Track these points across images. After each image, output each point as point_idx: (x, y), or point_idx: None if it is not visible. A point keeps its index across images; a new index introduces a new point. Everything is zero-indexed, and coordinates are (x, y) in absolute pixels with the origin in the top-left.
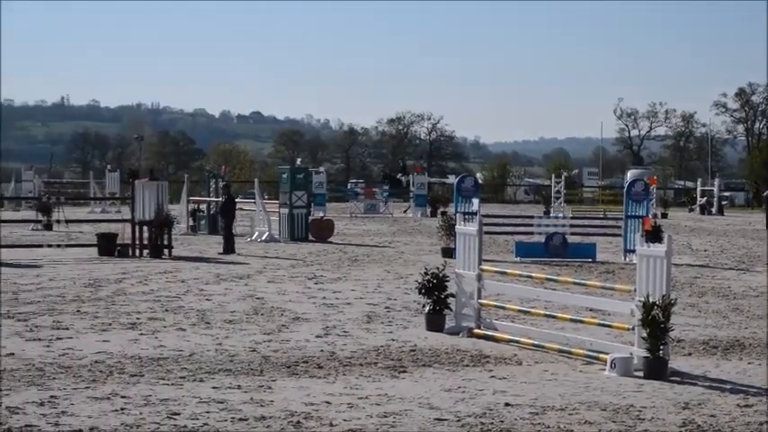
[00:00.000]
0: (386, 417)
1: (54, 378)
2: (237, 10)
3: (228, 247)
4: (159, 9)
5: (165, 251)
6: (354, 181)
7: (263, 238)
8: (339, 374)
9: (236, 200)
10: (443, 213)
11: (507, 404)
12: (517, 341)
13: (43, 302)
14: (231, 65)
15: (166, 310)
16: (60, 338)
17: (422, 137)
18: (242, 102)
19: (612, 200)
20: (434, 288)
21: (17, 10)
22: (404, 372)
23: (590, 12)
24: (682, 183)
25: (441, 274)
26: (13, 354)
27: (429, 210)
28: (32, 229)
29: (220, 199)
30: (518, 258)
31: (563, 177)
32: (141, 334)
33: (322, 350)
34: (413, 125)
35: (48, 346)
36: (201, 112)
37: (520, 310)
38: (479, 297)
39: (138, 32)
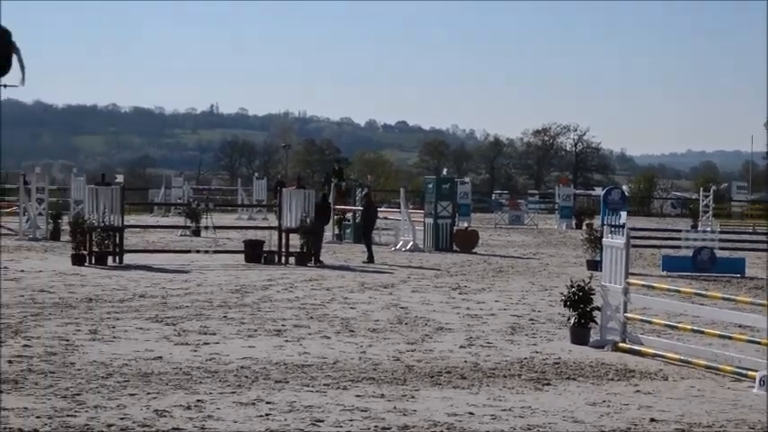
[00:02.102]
0: (529, 429)
1: (201, 382)
2: (384, 21)
3: (368, 256)
4: (312, 16)
5: (311, 259)
6: (499, 192)
7: (408, 247)
8: (482, 385)
9: (379, 209)
10: (589, 225)
11: (653, 419)
12: (663, 356)
13: (191, 307)
14: (378, 75)
15: (311, 318)
16: (207, 343)
17: (567, 148)
18: (388, 111)
19: (762, 214)
20: (580, 301)
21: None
22: (547, 384)
23: (738, 21)
24: None
25: (586, 287)
26: (161, 357)
27: (574, 222)
28: (181, 235)
29: (361, 207)
30: (665, 272)
31: (711, 191)
32: (286, 341)
33: (465, 361)
34: (558, 136)
35: (195, 351)
36: (347, 121)
37: (666, 325)
38: (626, 311)
39: (286, 42)
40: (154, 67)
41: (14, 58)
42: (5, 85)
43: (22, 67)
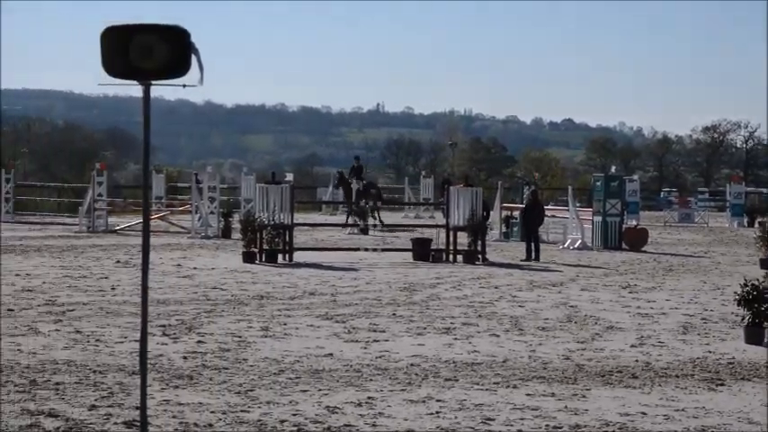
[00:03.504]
0: (703, 430)
1: (371, 379)
2: (550, 21)
3: (535, 254)
4: (477, 17)
5: (479, 257)
6: (668, 189)
7: (576, 245)
8: (654, 385)
9: (546, 207)
10: (762, 224)
11: None
12: None
13: (360, 305)
14: (544, 73)
15: (480, 316)
16: (377, 341)
17: (738, 145)
18: (554, 109)
19: None
20: (754, 300)
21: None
22: (721, 385)
23: None
24: None
25: (761, 286)
26: (331, 354)
27: (746, 220)
28: (349, 233)
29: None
30: None
31: None
32: (455, 338)
33: (637, 360)
34: (729, 133)
35: (365, 348)
36: (513, 119)
37: None
38: None
39: (451, 41)
40: (321, 66)
41: (193, 59)
42: (185, 85)
43: (201, 68)
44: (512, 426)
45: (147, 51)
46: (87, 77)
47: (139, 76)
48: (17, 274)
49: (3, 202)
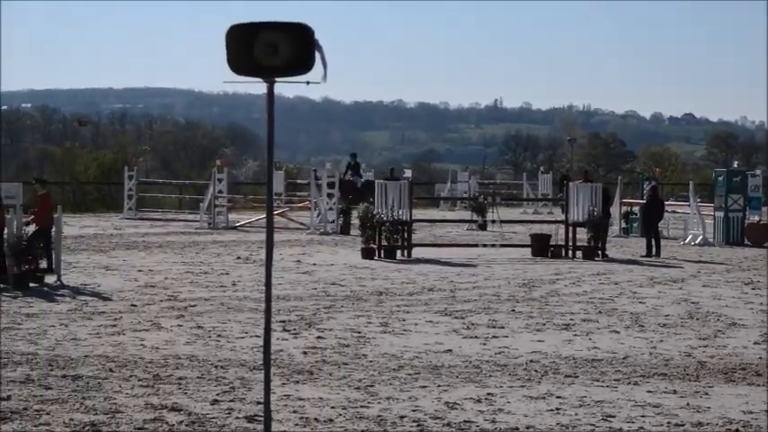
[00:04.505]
0: None
1: (490, 376)
2: (680, 12)
3: (656, 250)
4: (596, 14)
5: (599, 253)
6: None
7: (697, 241)
8: None
9: (666, 202)
10: None
11: None
12: None
13: (479, 301)
14: (664, 65)
15: (600, 312)
16: (496, 337)
17: None
18: (674, 103)
19: None
20: None
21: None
22: None
23: None
24: None
25: None
26: (450, 350)
27: None
28: (467, 229)
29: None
30: None
31: None
32: (575, 335)
33: (761, 357)
34: None
35: (484, 344)
36: (632, 114)
37: None
38: None
39: (570, 36)
40: (439, 62)
41: (317, 56)
42: (308, 82)
43: (325, 65)
44: (633, 423)
45: (272, 49)
46: (208, 75)
47: (264, 73)
48: (140, 270)
49: (126, 199)
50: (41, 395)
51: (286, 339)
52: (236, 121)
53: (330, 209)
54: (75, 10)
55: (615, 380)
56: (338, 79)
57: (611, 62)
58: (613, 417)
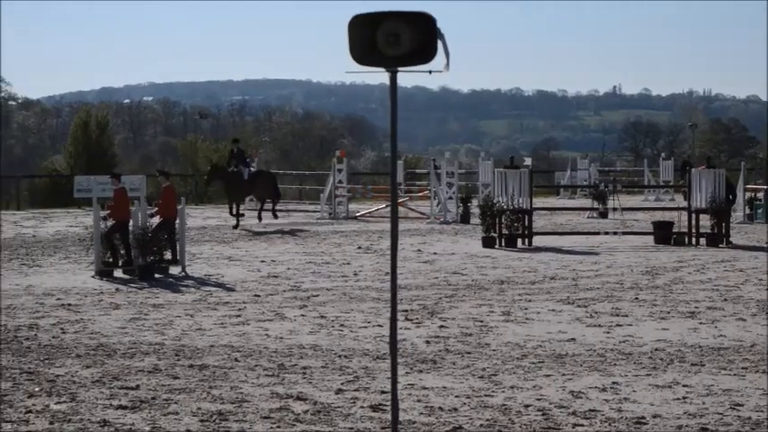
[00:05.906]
0: None
1: (615, 364)
2: None
3: None
4: None
5: (723, 240)
6: None
7: None
8: None
9: None
10: None
11: None
12: None
13: (602, 289)
14: None
15: (725, 300)
16: (620, 325)
17: None
18: None
19: None
20: None
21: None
22: None
23: None
24: None
25: None
26: (574, 339)
27: None
28: (588, 217)
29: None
30: None
31: None
32: (700, 323)
33: None
34: None
35: (608, 333)
36: (755, 99)
37: None
38: None
39: (688, 20)
40: (557, 49)
41: (439, 45)
42: (431, 71)
43: (447, 54)
44: (762, 412)
45: (395, 38)
46: (325, 66)
47: (386, 63)
48: (262, 261)
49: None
50: (169, 384)
51: (409, 329)
52: (353, 112)
53: (450, 198)
54: (196, 5)
55: (743, 368)
56: (455, 68)
57: (732, 46)
58: (741, 405)
